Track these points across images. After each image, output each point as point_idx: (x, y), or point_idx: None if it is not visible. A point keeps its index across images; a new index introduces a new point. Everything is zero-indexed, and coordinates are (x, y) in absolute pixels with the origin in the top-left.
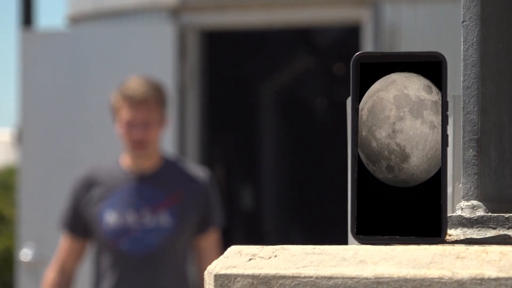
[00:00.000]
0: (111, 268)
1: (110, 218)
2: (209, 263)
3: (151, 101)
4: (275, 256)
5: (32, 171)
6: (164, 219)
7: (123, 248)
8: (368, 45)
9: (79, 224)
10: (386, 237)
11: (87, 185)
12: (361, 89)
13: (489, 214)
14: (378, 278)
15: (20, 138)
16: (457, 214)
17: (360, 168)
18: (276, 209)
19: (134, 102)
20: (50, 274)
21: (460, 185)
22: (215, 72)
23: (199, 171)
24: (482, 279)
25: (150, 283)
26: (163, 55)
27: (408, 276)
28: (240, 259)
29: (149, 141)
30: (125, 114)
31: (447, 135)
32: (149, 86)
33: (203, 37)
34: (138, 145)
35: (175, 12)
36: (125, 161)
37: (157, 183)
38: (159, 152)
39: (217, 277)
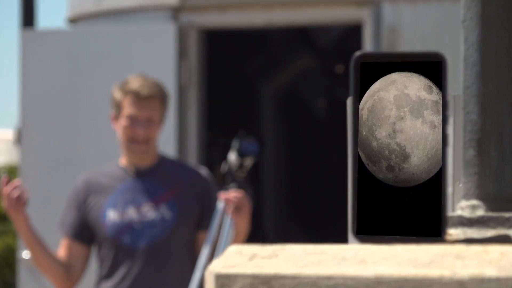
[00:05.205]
0: (115, 264)
1: (112, 216)
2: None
3: (155, 99)
4: (276, 255)
5: (32, 170)
6: (165, 211)
7: (125, 242)
8: (368, 45)
9: (84, 230)
10: (386, 236)
11: (88, 191)
12: (362, 89)
13: (489, 213)
14: (378, 277)
15: (20, 137)
16: (458, 213)
17: (361, 168)
18: (277, 209)
19: (139, 98)
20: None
21: (460, 185)
22: (215, 72)
23: (198, 169)
24: (482, 279)
25: (155, 275)
26: (164, 54)
27: (409, 276)
28: (240, 258)
29: (150, 139)
30: (128, 109)
31: (447, 135)
32: (154, 84)
33: (203, 36)
34: (138, 142)
35: (175, 12)
36: (123, 160)
37: (155, 178)
38: (156, 150)
39: (218, 277)
